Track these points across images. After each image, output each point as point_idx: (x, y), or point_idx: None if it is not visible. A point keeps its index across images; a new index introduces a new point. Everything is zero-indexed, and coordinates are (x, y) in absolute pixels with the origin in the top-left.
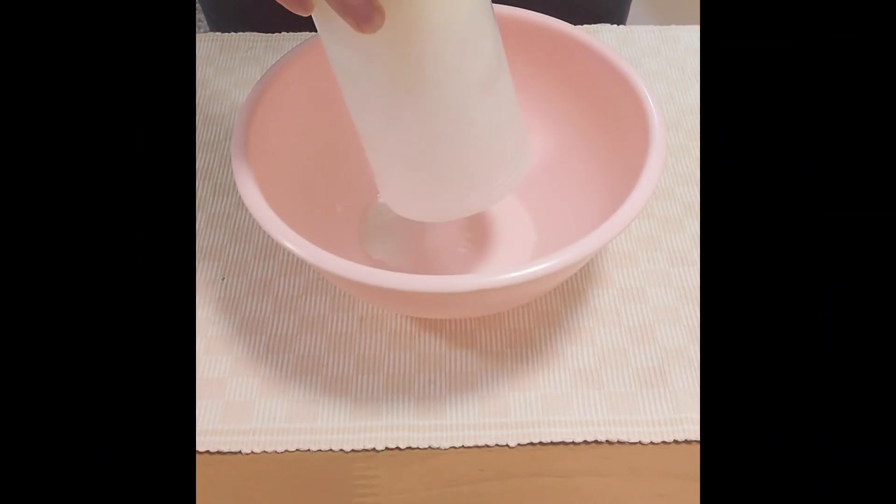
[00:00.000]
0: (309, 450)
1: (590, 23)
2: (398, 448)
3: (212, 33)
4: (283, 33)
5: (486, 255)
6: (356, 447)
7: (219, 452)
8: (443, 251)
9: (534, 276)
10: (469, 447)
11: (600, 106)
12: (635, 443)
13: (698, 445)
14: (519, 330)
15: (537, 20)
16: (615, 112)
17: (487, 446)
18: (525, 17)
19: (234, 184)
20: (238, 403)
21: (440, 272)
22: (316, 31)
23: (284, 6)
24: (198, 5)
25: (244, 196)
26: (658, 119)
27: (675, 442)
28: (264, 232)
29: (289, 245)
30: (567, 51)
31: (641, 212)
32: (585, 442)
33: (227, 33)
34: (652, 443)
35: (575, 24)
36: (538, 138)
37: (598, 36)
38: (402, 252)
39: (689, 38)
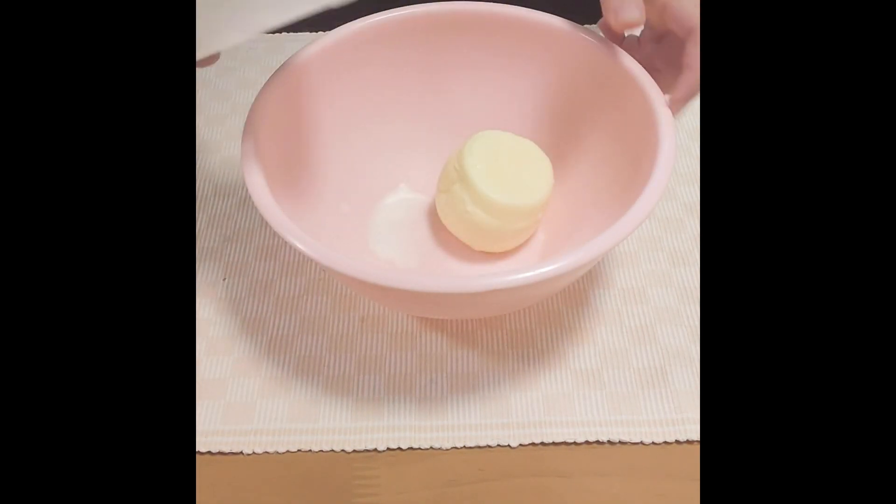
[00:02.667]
0: (310, 450)
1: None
2: (399, 448)
3: None
4: (283, 34)
5: (495, 255)
6: (357, 448)
7: (220, 453)
8: (450, 250)
9: (546, 277)
10: (470, 447)
11: (609, 107)
12: (636, 443)
13: (698, 445)
14: (520, 330)
15: (544, 20)
16: (624, 113)
17: (489, 446)
18: (532, 17)
19: (235, 185)
20: (239, 404)
21: (448, 272)
22: (318, 31)
23: None
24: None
25: (259, 202)
26: (666, 120)
27: (677, 442)
28: (265, 233)
29: (301, 248)
30: (576, 51)
31: (651, 213)
32: (587, 442)
33: None
34: (653, 443)
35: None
36: (548, 140)
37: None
38: (410, 251)
39: None
